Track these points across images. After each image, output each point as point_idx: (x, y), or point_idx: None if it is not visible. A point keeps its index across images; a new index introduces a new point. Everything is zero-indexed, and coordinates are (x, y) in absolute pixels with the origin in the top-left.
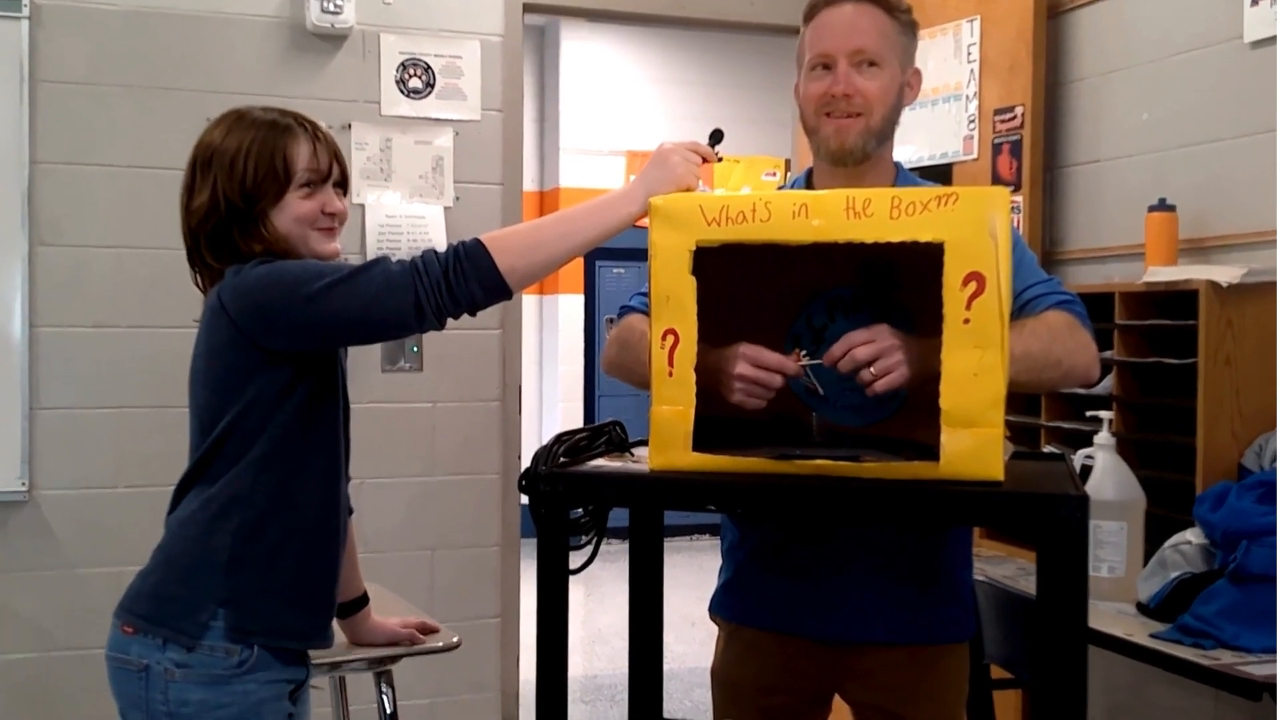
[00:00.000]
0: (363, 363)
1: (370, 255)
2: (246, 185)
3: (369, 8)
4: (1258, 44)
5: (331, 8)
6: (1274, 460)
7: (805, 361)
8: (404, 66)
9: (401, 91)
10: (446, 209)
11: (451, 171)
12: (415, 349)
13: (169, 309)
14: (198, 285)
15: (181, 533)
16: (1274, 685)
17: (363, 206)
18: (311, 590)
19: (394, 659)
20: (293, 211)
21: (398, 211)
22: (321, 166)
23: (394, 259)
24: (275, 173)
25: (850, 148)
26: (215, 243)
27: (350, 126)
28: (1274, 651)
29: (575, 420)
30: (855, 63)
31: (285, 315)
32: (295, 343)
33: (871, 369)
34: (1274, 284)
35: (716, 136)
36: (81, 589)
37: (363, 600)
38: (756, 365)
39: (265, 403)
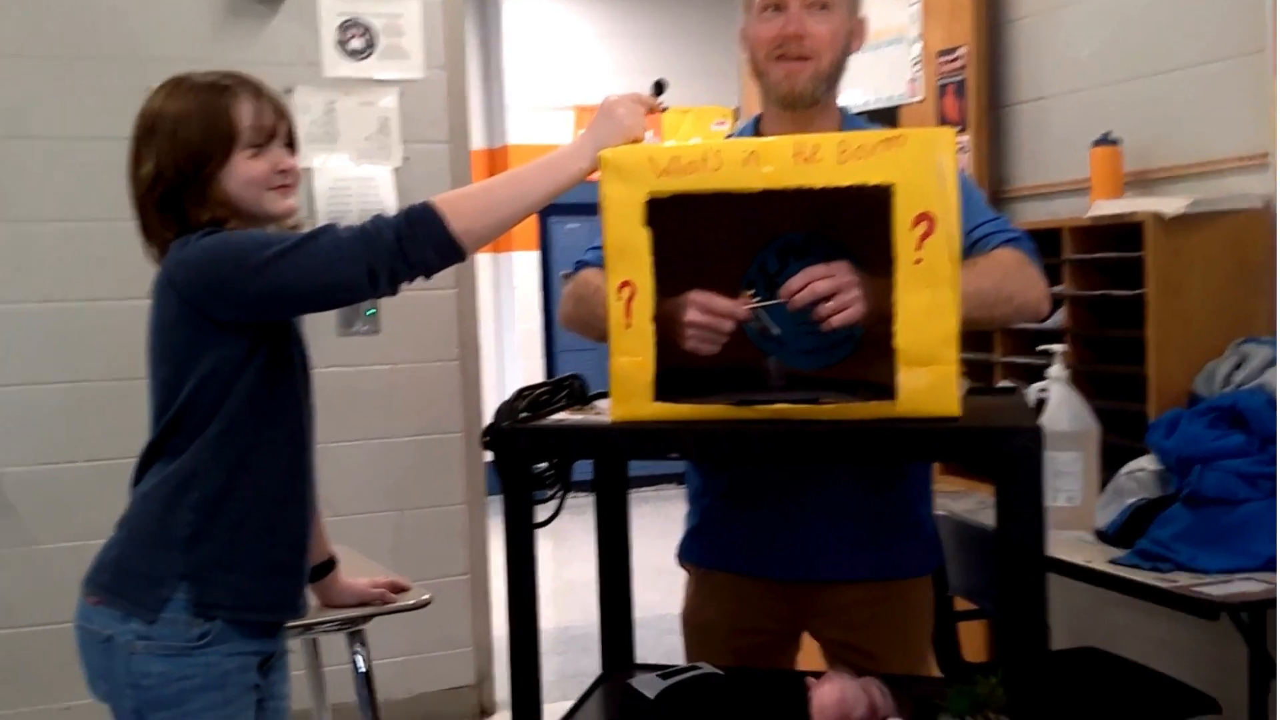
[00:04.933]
0: (319, 327)
1: (320, 219)
2: (192, 149)
3: None
4: None
5: None
6: (1223, 386)
7: (754, 304)
8: (344, 27)
9: (343, 53)
10: (395, 170)
11: (399, 132)
12: (371, 312)
13: (121, 280)
14: (152, 258)
15: (144, 507)
16: (1231, 605)
17: (310, 170)
18: (278, 562)
19: (365, 619)
20: (242, 173)
21: (346, 174)
22: (266, 124)
23: (343, 225)
24: (220, 134)
25: (800, 91)
26: (164, 211)
27: (292, 90)
28: (1230, 571)
29: (535, 377)
30: (806, 4)
31: (234, 287)
32: (245, 314)
33: (830, 303)
34: (1216, 214)
35: (660, 87)
36: (45, 565)
37: (331, 564)
38: (706, 311)
39: (221, 376)
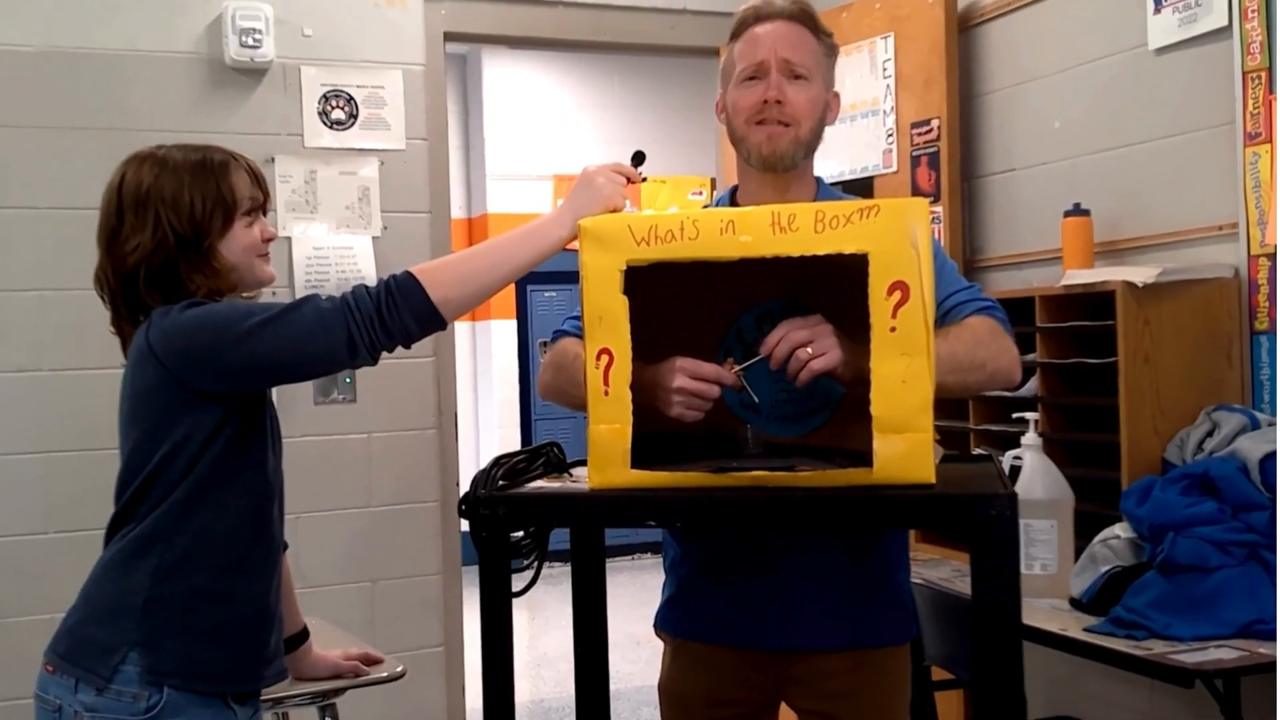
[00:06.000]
0: (296, 396)
1: (299, 288)
2: (196, 218)
3: (288, 41)
4: (1161, 50)
5: (250, 42)
6: (1195, 453)
7: (739, 368)
8: (326, 98)
9: (324, 123)
10: (374, 239)
11: (378, 201)
12: (349, 380)
13: (95, 350)
14: (115, 331)
15: (103, 573)
16: (1206, 673)
17: (289, 239)
18: (234, 630)
19: (338, 692)
20: (240, 241)
21: (325, 243)
22: (259, 193)
23: (324, 295)
24: (223, 203)
25: (781, 153)
26: (155, 281)
27: (274, 160)
28: (1204, 639)
29: (513, 445)
30: (786, 73)
31: (217, 356)
32: (227, 384)
33: (808, 349)
34: (1186, 282)
35: (639, 158)
36: (10, 638)
37: (303, 635)
38: (694, 377)
39: (193, 443)
